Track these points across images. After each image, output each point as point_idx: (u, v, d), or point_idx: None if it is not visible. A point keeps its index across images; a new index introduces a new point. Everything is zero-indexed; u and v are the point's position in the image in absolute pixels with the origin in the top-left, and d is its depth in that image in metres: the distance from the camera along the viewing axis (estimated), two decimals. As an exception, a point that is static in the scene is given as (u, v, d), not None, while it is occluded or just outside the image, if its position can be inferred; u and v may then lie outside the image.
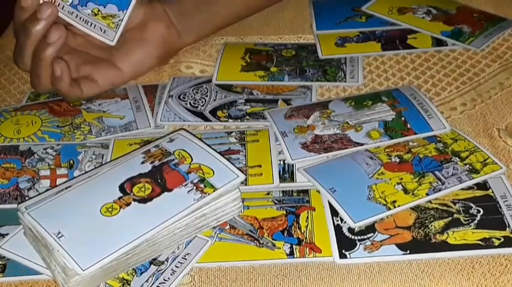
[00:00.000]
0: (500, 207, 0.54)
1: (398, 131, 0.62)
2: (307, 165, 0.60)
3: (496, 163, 0.58)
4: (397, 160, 0.59)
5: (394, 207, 0.55)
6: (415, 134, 0.62)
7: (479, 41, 0.74)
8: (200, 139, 0.58)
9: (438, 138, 0.61)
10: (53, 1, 0.64)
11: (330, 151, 0.61)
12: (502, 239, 0.51)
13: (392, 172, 0.58)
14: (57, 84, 0.65)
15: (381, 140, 0.62)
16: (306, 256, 0.52)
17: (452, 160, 0.59)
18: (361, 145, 0.61)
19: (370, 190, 0.56)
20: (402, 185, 0.57)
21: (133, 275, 0.51)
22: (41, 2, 0.62)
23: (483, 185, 0.56)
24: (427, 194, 0.56)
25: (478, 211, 0.53)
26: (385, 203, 0.55)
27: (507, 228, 0.52)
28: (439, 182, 0.57)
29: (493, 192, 0.55)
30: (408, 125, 0.63)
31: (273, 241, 0.53)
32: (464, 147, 0.60)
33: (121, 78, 0.70)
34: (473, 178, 0.57)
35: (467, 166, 0.58)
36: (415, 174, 0.58)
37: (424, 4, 0.80)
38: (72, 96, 0.67)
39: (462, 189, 0.56)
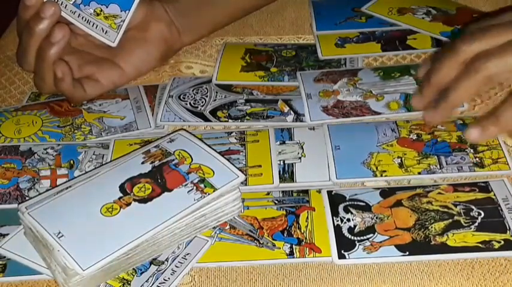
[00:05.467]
0: (501, 210, 0.54)
1: None
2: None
3: (507, 164, 0.58)
4: (414, 137, 0.61)
5: (382, 176, 0.57)
6: None
7: None
8: (200, 139, 0.58)
9: None
10: (56, 0, 0.64)
11: (348, 116, 0.65)
12: (502, 242, 0.51)
13: (402, 147, 0.60)
14: (60, 85, 0.65)
15: (398, 111, 0.64)
16: (306, 256, 0.52)
17: (466, 150, 0.59)
18: (379, 113, 0.64)
19: (369, 156, 0.59)
20: (401, 160, 0.58)
21: (134, 275, 0.51)
22: (44, 0, 0.62)
23: (485, 188, 0.56)
24: (419, 173, 0.57)
25: (479, 214, 0.53)
26: (375, 170, 0.58)
27: (508, 231, 0.52)
28: (438, 166, 0.58)
29: (494, 195, 0.55)
30: None
31: (273, 241, 0.53)
32: (487, 142, 0.60)
33: (123, 78, 0.71)
34: (474, 171, 0.57)
35: (477, 159, 0.58)
36: (420, 153, 0.59)
37: (423, 5, 0.80)
38: (76, 97, 0.67)
39: (460, 191, 0.56)
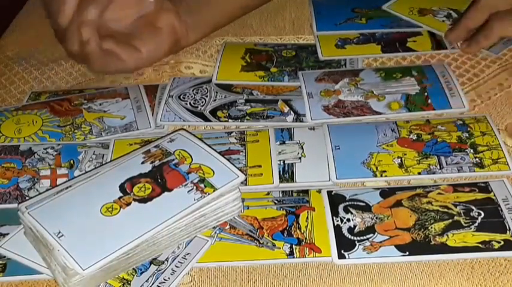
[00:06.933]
0: (501, 210, 0.54)
1: (418, 105, 0.65)
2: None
3: (507, 164, 0.58)
4: (414, 138, 0.61)
5: (382, 176, 0.57)
6: (434, 110, 0.65)
7: (498, 47, 0.73)
8: (200, 139, 0.58)
9: (468, 128, 0.62)
10: None
11: (349, 116, 0.65)
12: (502, 243, 0.51)
13: (402, 147, 0.60)
14: (86, 49, 0.66)
15: (399, 111, 0.64)
16: (306, 256, 0.52)
17: (466, 150, 0.59)
18: (379, 113, 0.65)
19: (369, 156, 0.59)
20: (401, 160, 0.59)
21: (134, 275, 0.51)
22: None
23: (485, 188, 0.56)
24: (419, 173, 0.58)
25: (479, 214, 0.53)
26: (375, 170, 0.58)
27: (507, 231, 0.52)
28: (438, 167, 0.58)
29: (494, 195, 0.55)
30: (429, 101, 0.66)
31: (273, 241, 0.53)
32: (487, 142, 0.60)
33: (143, 60, 0.72)
34: (474, 171, 0.57)
35: (477, 159, 0.58)
36: (420, 153, 0.59)
37: (445, 6, 0.80)
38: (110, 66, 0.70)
39: (460, 191, 0.56)
